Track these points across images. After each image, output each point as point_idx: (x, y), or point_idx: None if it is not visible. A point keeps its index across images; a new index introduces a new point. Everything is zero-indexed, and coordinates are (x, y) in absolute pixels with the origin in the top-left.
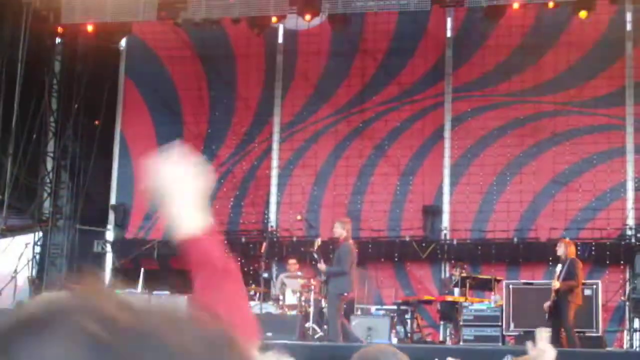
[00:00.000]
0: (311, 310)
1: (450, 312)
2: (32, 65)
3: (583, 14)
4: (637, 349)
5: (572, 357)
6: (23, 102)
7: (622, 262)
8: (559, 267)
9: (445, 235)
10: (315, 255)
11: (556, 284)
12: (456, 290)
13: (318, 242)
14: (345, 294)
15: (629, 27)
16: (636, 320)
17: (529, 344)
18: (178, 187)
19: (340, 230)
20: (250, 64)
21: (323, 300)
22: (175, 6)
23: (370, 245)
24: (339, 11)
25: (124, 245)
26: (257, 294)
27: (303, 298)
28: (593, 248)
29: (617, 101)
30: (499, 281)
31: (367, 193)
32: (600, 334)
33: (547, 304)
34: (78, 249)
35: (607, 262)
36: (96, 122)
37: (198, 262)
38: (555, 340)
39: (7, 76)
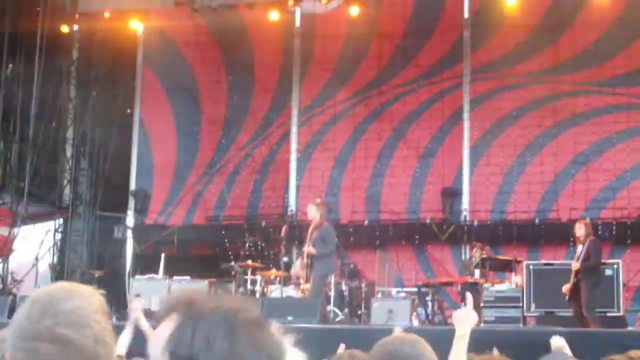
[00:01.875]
0: (332, 293)
1: (471, 293)
2: (50, 53)
3: None
4: None
5: (593, 337)
6: (42, 91)
7: None
8: (579, 247)
9: (465, 216)
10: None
11: (576, 265)
12: (477, 272)
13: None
14: (331, 275)
15: None
16: None
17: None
18: None
19: (315, 213)
20: (268, 48)
21: (343, 283)
22: None
23: (390, 228)
24: None
25: (144, 231)
26: (278, 278)
27: None
28: (614, 227)
29: (636, 80)
30: (519, 262)
31: (386, 176)
32: (621, 313)
33: (566, 286)
34: (98, 235)
35: (628, 241)
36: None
37: None
38: (578, 321)
39: (26, 65)
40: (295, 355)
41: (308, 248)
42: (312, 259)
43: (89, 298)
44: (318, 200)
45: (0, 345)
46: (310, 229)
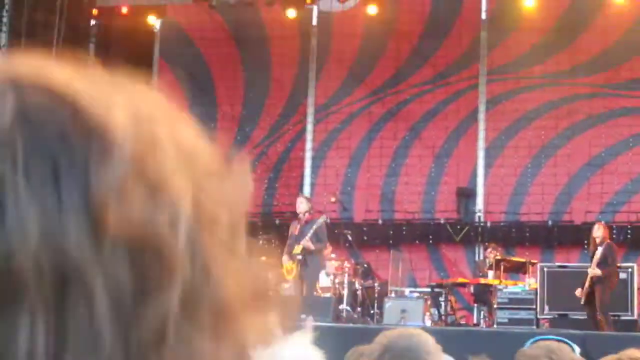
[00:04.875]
0: (345, 292)
1: (484, 294)
2: (66, 48)
3: None
4: None
5: (607, 340)
6: None
7: None
8: (599, 251)
9: (479, 217)
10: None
11: (597, 272)
12: (490, 273)
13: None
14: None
15: None
16: None
17: None
18: None
19: (305, 206)
20: (285, 46)
21: (356, 282)
22: None
23: (404, 227)
24: None
25: None
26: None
27: (337, 280)
28: (629, 231)
29: None
30: (533, 264)
31: (401, 175)
32: (635, 317)
33: (579, 290)
34: None
35: None
36: None
37: None
38: (592, 324)
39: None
40: (313, 353)
41: (307, 242)
42: (305, 255)
43: None
44: (333, 198)
45: None
46: (299, 224)
